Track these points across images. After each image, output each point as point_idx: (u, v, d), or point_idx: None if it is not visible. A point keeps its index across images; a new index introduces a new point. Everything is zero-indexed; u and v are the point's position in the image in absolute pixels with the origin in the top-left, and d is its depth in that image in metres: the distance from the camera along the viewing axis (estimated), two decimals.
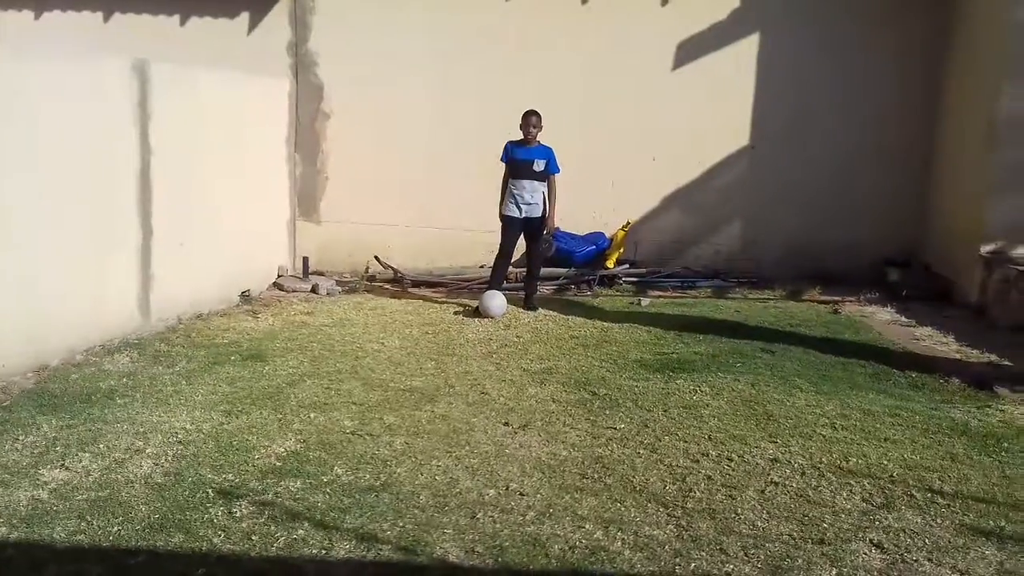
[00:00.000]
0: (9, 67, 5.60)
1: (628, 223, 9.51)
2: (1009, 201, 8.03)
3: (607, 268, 9.39)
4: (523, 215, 7.83)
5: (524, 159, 7.75)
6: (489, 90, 9.47)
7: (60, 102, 5.94)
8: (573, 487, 4.15)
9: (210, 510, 3.84)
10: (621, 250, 9.55)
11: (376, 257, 9.50)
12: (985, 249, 8.08)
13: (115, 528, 3.67)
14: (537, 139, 7.77)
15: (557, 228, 9.08)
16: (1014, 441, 4.84)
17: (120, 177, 6.62)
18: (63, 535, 3.62)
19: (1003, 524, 3.85)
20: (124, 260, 6.68)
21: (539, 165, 7.73)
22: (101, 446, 4.52)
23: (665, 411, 5.24)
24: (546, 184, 7.80)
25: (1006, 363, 6.44)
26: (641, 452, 4.60)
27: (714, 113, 9.50)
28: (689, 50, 9.47)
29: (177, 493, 4.00)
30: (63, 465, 4.28)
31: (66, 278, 6.02)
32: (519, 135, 7.76)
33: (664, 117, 9.52)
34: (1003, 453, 4.67)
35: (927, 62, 9.29)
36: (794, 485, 4.21)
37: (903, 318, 7.94)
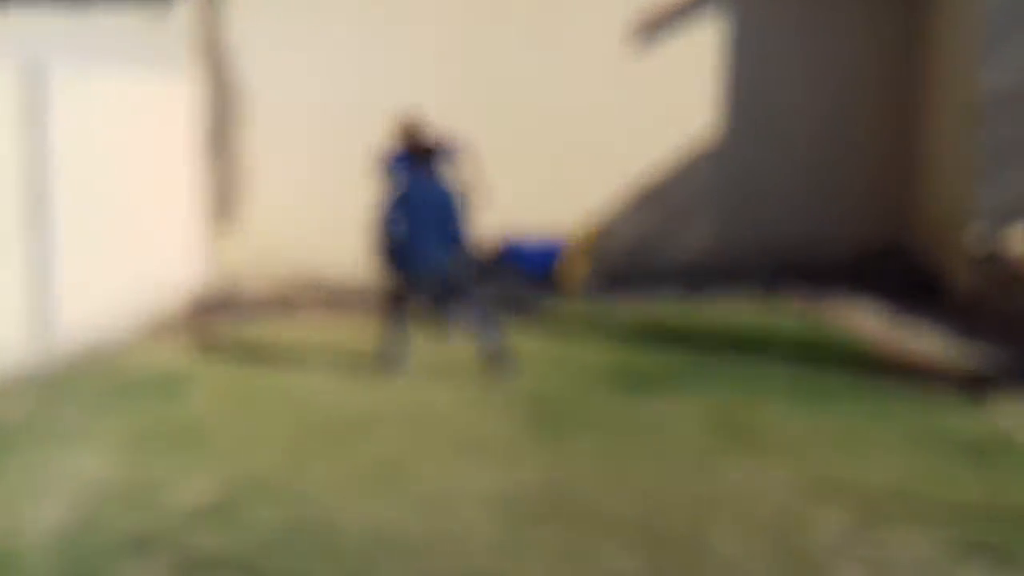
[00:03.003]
0: None
1: (592, 227, 9.46)
2: (993, 189, 8.21)
3: (568, 278, 9.37)
4: None
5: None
6: (422, 78, 9.39)
7: None
8: (533, 517, 4.16)
9: (124, 561, 3.76)
10: (584, 257, 9.54)
11: (300, 271, 9.41)
12: (972, 241, 8.25)
13: None
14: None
15: (506, 235, 9.10)
16: (1004, 449, 4.96)
17: (4, 192, 6.46)
18: None
19: (991, 538, 3.94)
20: (16, 287, 6.50)
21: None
22: None
23: (631, 431, 5.28)
24: None
25: (996, 363, 6.57)
26: (606, 476, 4.62)
27: (681, 104, 9.57)
28: (655, 37, 9.54)
29: (84, 545, 3.91)
30: None
31: None
32: (458, 124, 7.55)
33: (628, 109, 9.55)
34: (993, 462, 4.77)
35: (906, 46, 9.50)
36: (771, 505, 4.27)
37: (885, 317, 8.06)
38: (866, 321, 8.04)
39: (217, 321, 8.33)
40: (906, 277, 8.94)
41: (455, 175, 7.39)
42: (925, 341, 7.30)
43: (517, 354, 6.99)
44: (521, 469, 4.72)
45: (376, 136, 9.15)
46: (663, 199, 9.75)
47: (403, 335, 6.59)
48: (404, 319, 6.62)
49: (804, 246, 9.63)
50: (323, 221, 9.50)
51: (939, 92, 9.13)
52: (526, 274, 9.26)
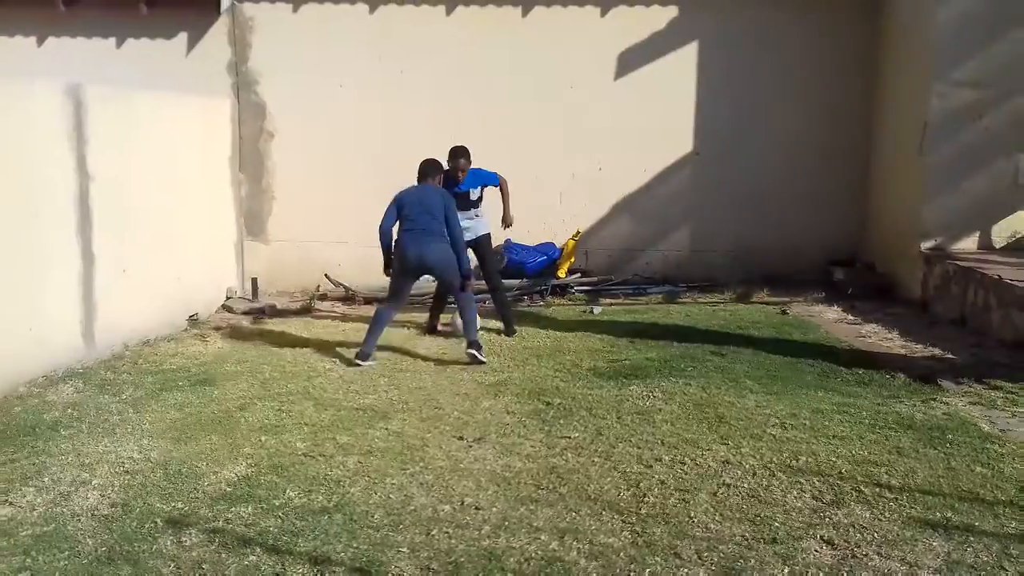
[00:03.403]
0: None
1: (578, 232, 9.58)
2: (944, 198, 8.25)
3: (559, 278, 9.44)
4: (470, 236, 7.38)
5: (459, 192, 7.36)
6: (434, 103, 9.50)
7: None
8: (528, 498, 4.16)
9: (159, 540, 3.77)
10: (572, 259, 9.61)
11: (327, 275, 9.44)
12: (925, 246, 8.28)
13: (61, 563, 3.59)
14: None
15: (507, 240, 9.12)
16: (958, 433, 4.94)
17: (57, 204, 6.49)
18: (8, 572, 3.52)
19: (949, 515, 3.93)
20: (65, 288, 6.55)
21: (474, 193, 7.52)
22: (46, 479, 4.42)
23: (619, 418, 5.27)
24: (480, 206, 7.59)
25: (949, 356, 6.59)
26: (595, 460, 4.62)
27: (657, 121, 9.60)
28: (630, 60, 9.58)
29: (125, 524, 3.92)
30: (7, 500, 4.18)
31: (3, 309, 5.88)
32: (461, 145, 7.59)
33: (609, 126, 9.60)
34: (948, 445, 4.77)
35: (862, 66, 9.50)
36: (746, 486, 4.26)
37: (849, 316, 8.10)
38: (833, 320, 8.05)
39: (248, 321, 8.34)
40: (866, 282, 8.94)
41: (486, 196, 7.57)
42: (884, 337, 7.31)
43: (513, 345, 7.02)
44: (517, 455, 4.72)
45: (387, 152, 9.22)
46: (647, 211, 9.76)
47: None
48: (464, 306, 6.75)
49: (775, 255, 9.63)
50: (341, 229, 9.52)
51: (893, 111, 9.12)
52: (526, 271, 9.32)
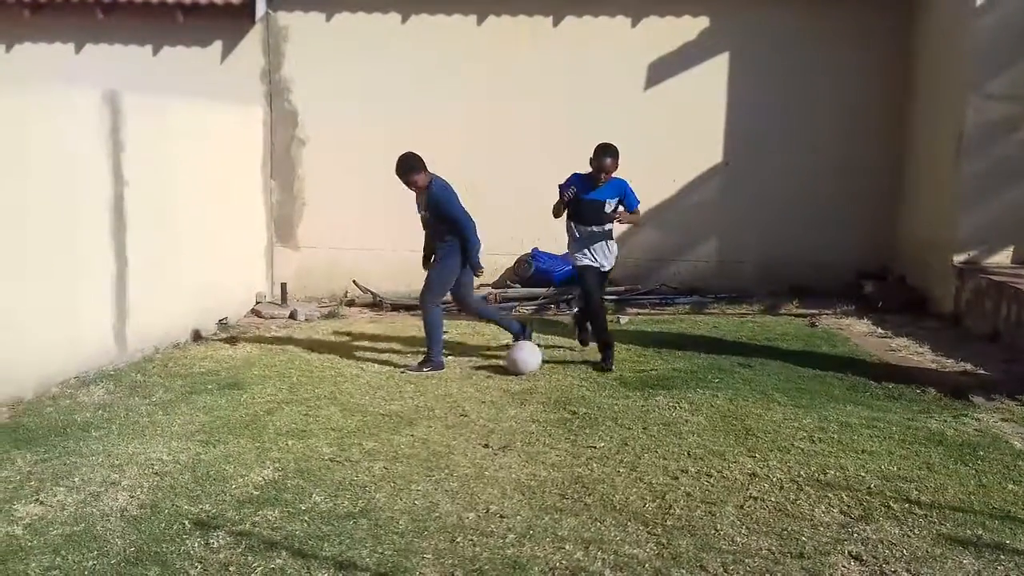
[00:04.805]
0: None
1: None
2: (979, 211, 8.13)
3: None
4: (598, 264, 6.63)
5: (592, 199, 6.43)
6: (464, 112, 9.52)
7: (27, 133, 5.91)
8: (553, 508, 4.14)
9: (187, 542, 3.79)
10: None
11: (355, 282, 9.49)
12: (958, 259, 8.17)
13: (90, 563, 3.62)
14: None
15: (535, 249, 9.11)
16: (990, 450, 4.87)
17: (93, 208, 6.58)
18: (38, 571, 3.56)
19: (980, 533, 3.87)
20: (99, 291, 6.64)
21: (610, 205, 6.45)
22: (76, 479, 4.47)
23: (644, 429, 5.24)
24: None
25: (981, 371, 6.49)
26: (621, 470, 4.60)
27: (687, 131, 9.56)
28: (660, 70, 9.57)
29: (153, 525, 3.95)
30: (38, 500, 4.23)
31: (39, 310, 5.97)
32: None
33: (638, 136, 9.53)
34: (979, 462, 4.69)
35: (895, 77, 9.42)
36: (773, 499, 4.22)
37: (879, 330, 8.00)
38: (862, 333, 7.96)
39: (277, 326, 8.40)
40: (897, 295, 8.84)
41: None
42: (915, 351, 7.22)
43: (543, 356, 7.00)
44: (543, 464, 4.70)
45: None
46: (675, 221, 9.70)
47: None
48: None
49: (804, 267, 9.55)
50: (370, 237, 9.58)
51: (927, 128, 9.01)
52: (553, 280, 9.31)
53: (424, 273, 6.81)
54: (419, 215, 6.73)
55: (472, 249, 6.59)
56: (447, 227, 6.57)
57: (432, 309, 6.67)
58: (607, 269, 6.73)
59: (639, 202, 6.76)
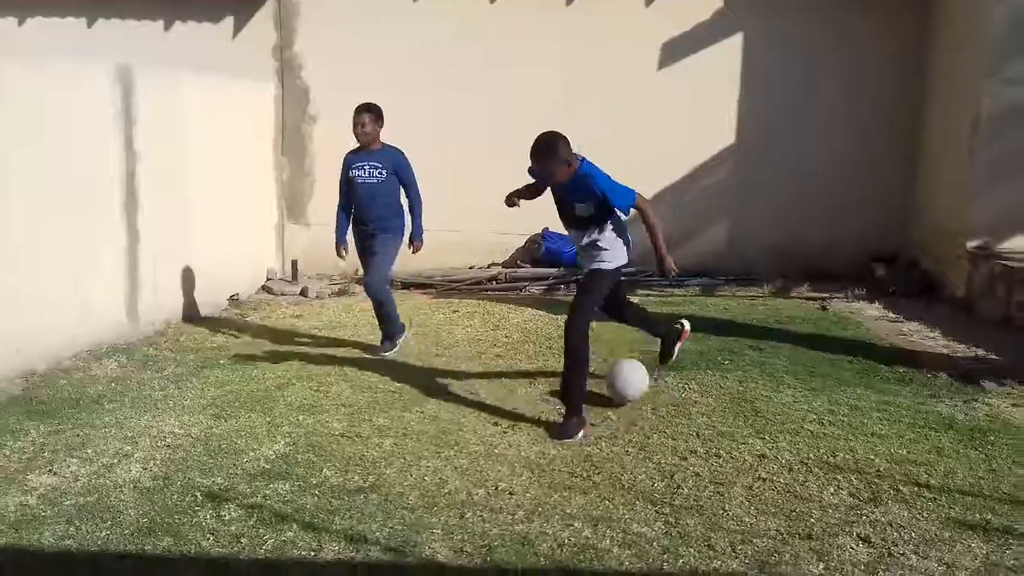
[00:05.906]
0: None
1: None
2: (993, 196, 8.07)
3: None
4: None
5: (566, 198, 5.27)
6: (475, 89, 9.47)
7: (40, 107, 5.91)
8: (562, 486, 4.16)
9: (199, 514, 3.83)
10: None
11: None
12: (971, 244, 8.13)
13: (103, 533, 3.66)
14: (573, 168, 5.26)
15: (545, 229, 9.10)
16: (1000, 435, 4.86)
17: (105, 183, 6.60)
18: (51, 540, 3.61)
19: (989, 517, 3.87)
20: (111, 265, 6.67)
21: (582, 209, 5.24)
22: (89, 451, 4.51)
23: (653, 409, 5.25)
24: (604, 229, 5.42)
25: (992, 357, 6.48)
26: (630, 450, 4.61)
27: (700, 112, 9.51)
28: (674, 50, 9.50)
29: (166, 497, 3.99)
30: (51, 471, 4.27)
31: (53, 284, 6.00)
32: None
33: (650, 117, 9.52)
34: (989, 446, 4.69)
35: (911, 61, 9.34)
36: (781, 481, 4.23)
37: (890, 313, 7.98)
38: (874, 317, 7.95)
39: (287, 302, 8.43)
40: (909, 279, 8.80)
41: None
42: (926, 335, 7.20)
43: (550, 334, 7.01)
44: (552, 442, 4.72)
45: (429, 138, 9.21)
46: (687, 202, 9.66)
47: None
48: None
49: (816, 250, 9.51)
50: None
51: (943, 112, 8.94)
52: (563, 260, 9.31)
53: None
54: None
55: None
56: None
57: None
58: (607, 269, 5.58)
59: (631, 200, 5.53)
